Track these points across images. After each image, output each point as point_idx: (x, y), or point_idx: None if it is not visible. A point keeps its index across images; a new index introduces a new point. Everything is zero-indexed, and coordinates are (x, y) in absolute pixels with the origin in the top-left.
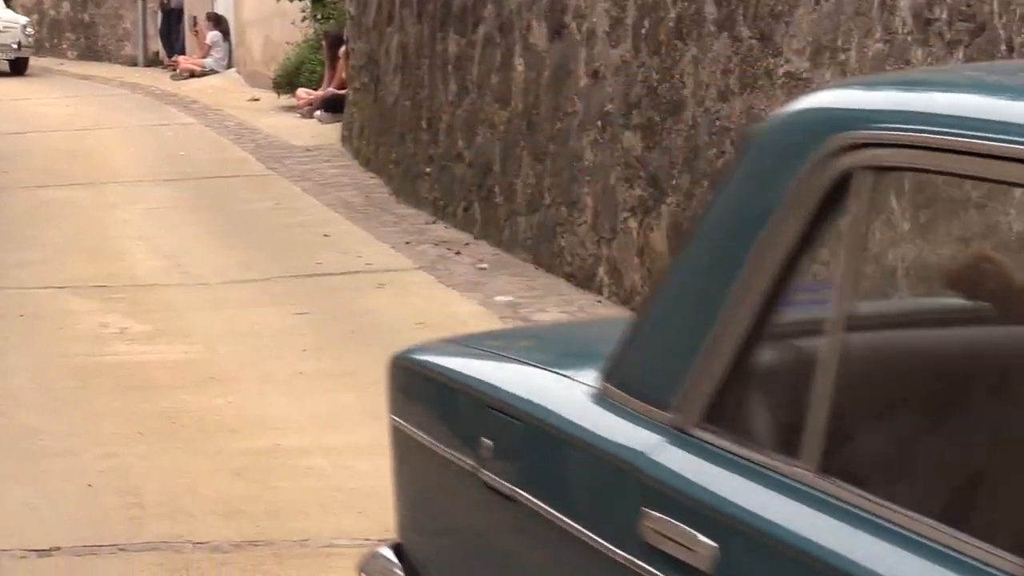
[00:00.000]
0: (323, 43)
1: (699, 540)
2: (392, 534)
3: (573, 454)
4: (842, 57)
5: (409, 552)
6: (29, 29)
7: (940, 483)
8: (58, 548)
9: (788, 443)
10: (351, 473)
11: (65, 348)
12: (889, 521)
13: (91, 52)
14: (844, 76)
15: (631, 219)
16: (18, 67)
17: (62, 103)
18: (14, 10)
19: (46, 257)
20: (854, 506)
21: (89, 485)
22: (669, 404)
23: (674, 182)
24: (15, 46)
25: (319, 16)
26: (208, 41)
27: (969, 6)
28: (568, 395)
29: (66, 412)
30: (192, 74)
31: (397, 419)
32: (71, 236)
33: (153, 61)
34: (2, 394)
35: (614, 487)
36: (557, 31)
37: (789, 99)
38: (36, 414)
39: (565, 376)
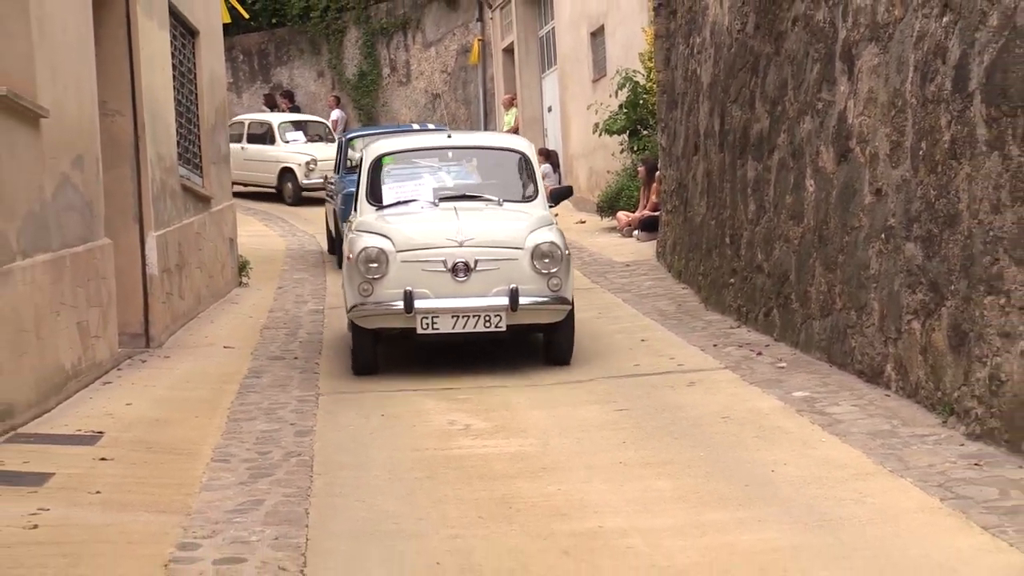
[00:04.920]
0: (640, 170)
1: None
2: None
3: None
4: None
5: None
6: (558, 255)
7: None
8: None
9: None
10: (665, 552)
11: (418, 443)
12: None
13: None
14: None
15: (914, 321)
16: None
17: None
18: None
19: None
20: None
21: (437, 563)
22: None
23: (952, 287)
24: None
25: (635, 148)
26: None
27: None
28: None
29: (417, 499)
30: None
31: None
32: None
33: None
34: (363, 484)
35: None
36: (843, 155)
37: None
38: (391, 501)
39: None
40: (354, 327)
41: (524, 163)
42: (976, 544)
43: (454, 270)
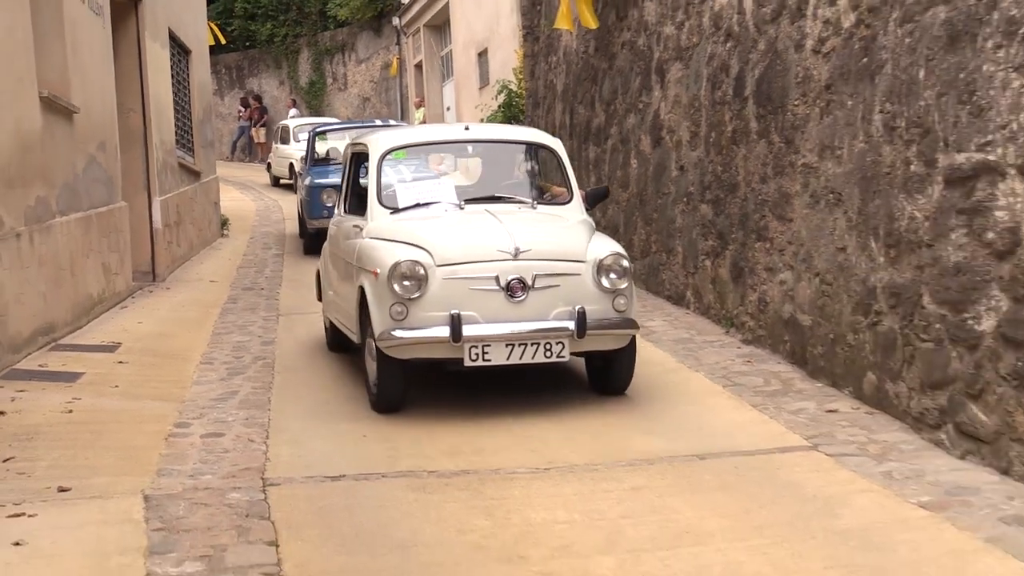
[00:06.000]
0: None
1: None
2: (554, 466)
3: None
4: (838, 153)
5: None
6: (626, 269)
7: None
8: (343, 475)
9: None
10: (530, 429)
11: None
12: None
13: None
14: (839, 166)
15: (706, 260)
16: None
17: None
18: None
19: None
20: None
21: (364, 436)
22: None
23: (733, 236)
24: None
25: None
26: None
27: (919, 118)
28: None
29: (350, 391)
30: None
31: None
32: None
33: None
34: (311, 381)
35: None
36: (657, 141)
37: (804, 181)
38: (332, 392)
39: None
40: (381, 357)
41: (554, 160)
42: (748, 418)
43: (509, 288)
